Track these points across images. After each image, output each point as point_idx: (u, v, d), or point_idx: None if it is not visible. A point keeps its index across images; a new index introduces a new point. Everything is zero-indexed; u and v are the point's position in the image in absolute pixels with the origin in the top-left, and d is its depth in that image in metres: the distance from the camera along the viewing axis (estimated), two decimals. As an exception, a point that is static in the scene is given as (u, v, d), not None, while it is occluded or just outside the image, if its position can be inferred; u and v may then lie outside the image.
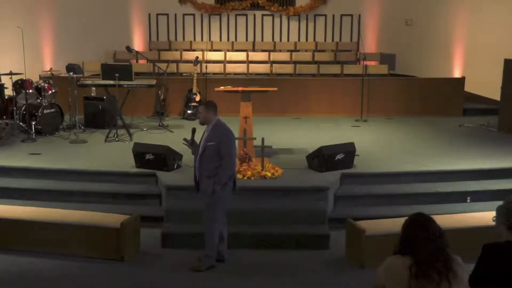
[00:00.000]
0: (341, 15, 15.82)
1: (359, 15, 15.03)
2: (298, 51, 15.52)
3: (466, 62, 12.99)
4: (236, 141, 7.64)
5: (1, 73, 10.14)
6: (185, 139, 6.22)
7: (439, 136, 10.05)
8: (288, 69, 13.82)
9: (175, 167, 7.71)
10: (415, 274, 3.20)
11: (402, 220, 5.98)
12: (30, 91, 9.94)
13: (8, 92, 10.11)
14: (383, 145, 9.37)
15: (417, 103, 11.91)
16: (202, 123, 6.09)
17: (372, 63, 14.48)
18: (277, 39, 16.00)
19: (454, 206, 7.19)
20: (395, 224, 6.06)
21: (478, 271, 3.33)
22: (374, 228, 6.04)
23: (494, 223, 3.46)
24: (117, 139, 9.48)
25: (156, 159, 7.62)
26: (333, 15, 15.87)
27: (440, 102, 11.88)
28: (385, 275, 3.36)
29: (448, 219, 6.26)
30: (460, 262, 3.33)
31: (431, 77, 12.83)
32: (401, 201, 7.34)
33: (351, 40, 15.95)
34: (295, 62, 14.23)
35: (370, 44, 15.47)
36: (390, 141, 9.77)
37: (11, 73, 9.90)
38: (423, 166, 7.99)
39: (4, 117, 9.87)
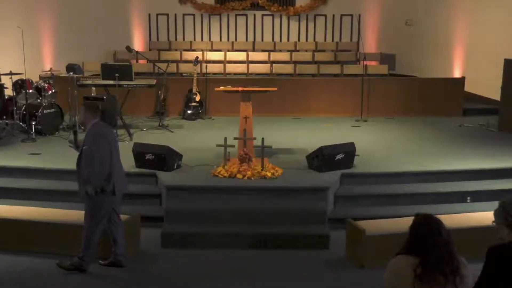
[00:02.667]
0: (341, 15, 15.82)
1: (359, 15, 15.03)
2: (298, 51, 15.52)
3: (466, 62, 12.99)
4: (236, 141, 7.72)
5: (1, 73, 10.14)
6: (70, 141, 5.94)
7: (439, 136, 10.05)
8: (288, 69, 13.83)
9: (175, 167, 7.71)
10: (420, 275, 3.16)
11: (402, 220, 6.02)
12: (30, 91, 9.94)
13: (8, 92, 10.11)
14: (383, 145, 9.37)
15: (417, 103, 11.90)
16: (81, 124, 5.99)
17: (372, 63, 14.48)
18: (277, 39, 16.00)
19: (454, 206, 7.18)
20: (395, 224, 6.10)
21: (486, 276, 3.28)
22: (374, 228, 6.04)
23: (494, 224, 3.44)
24: (117, 139, 9.46)
25: (156, 159, 7.61)
26: (333, 15, 15.87)
27: (440, 102, 11.87)
28: (388, 276, 3.33)
29: (448, 219, 6.21)
30: (465, 263, 3.32)
31: (431, 77, 12.83)
32: (401, 201, 7.35)
33: (351, 40, 15.95)
34: (295, 62, 14.23)
35: (370, 44, 15.47)
36: (390, 141, 9.77)
37: (11, 73, 9.90)
38: (423, 166, 7.99)
39: (4, 117, 9.87)
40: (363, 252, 5.94)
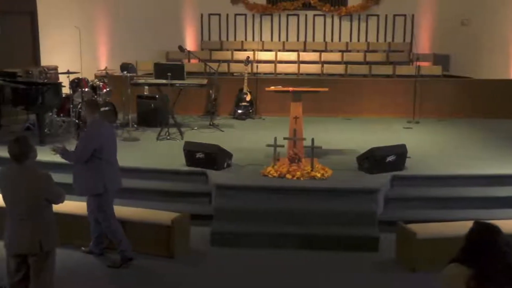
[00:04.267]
0: (394, 15, 15.58)
1: (413, 15, 14.77)
2: (349, 51, 15.38)
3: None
4: (286, 141, 7.71)
5: (59, 72, 10.46)
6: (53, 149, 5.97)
7: (493, 139, 9.77)
8: (339, 69, 13.72)
9: (225, 166, 7.77)
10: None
11: (454, 224, 5.90)
12: (86, 89, 10.21)
13: (65, 90, 10.40)
14: (435, 147, 9.19)
15: (471, 104, 11.63)
16: (83, 121, 6.14)
17: (426, 64, 14.21)
18: (328, 39, 15.89)
19: (508, 212, 6.96)
20: (447, 228, 5.99)
21: None
22: (425, 232, 5.94)
23: None
24: (168, 137, 9.62)
25: (206, 158, 7.69)
26: (386, 15, 15.64)
27: (496, 104, 11.56)
28: (441, 284, 3.21)
29: (501, 224, 6.08)
30: None
31: (487, 78, 12.49)
32: (454, 204, 7.19)
33: (404, 40, 15.69)
34: (346, 63, 14.11)
35: (423, 45, 15.18)
36: (442, 143, 9.57)
37: (68, 72, 10.20)
38: (476, 169, 7.79)
39: (61, 114, 10.17)
40: (414, 256, 5.85)
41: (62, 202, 4.76)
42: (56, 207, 4.78)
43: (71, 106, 10.02)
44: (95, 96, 10.28)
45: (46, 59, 12.42)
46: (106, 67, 11.56)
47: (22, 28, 12.38)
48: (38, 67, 11.14)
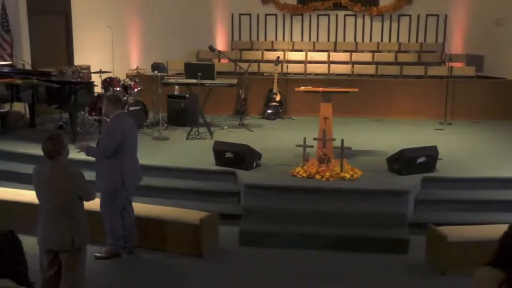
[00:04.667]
0: (427, 15, 15.39)
1: (446, 15, 14.57)
2: (380, 51, 15.24)
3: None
4: (315, 142, 7.69)
5: (92, 71, 10.60)
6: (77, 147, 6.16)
7: (528, 141, 9.60)
8: (370, 70, 13.62)
9: (254, 166, 7.78)
10: None
11: (486, 227, 5.81)
12: (118, 88, 10.33)
13: (98, 89, 10.54)
14: (467, 149, 9.06)
15: (505, 106, 11.42)
16: (104, 116, 6.18)
17: (458, 64, 13.99)
18: (359, 39, 15.78)
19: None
20: (478, 231, 5.90)
21: None
22: (456, 234, 5.86)
23: None
24: (198, 137, 9.68)
25: (235, 157, 7.71)
26: (418, 15, 15.46)
27: (531, 105, 11.34)
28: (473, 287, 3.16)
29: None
30: None
31: (522, 79, 12.27)
32: (485, 207, 7.09)
33: (436, 40, 15.48)
34: (377, 63, 14.00)
35: (456, 45, 14.95)
36: (475, 145, 9.43)
37: (100, 72, 10.35)
38: (509, 172, 7.65)
39: (93, 113, 10.31)
40: (444, 259, 5.78)
41: (93, 199, 4.85)
42: (87, 204, 4.86)
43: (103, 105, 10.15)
44: (126, 96, 10.41)
45: (79, 59, 12.62)
46: (137, 67, 11.68)
47: (56, 29, 12.59)
48: (72, 67, 11.32)
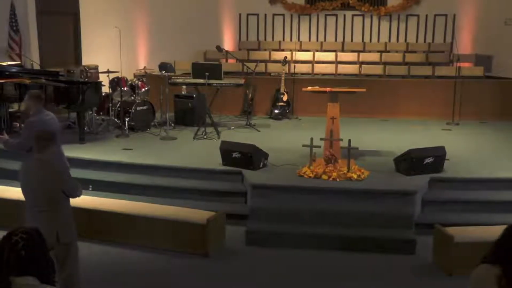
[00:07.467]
0: (435, 15, 15.34)
1: (454, 15, 14.52)
2: (388, 51, 15.21)
3: None
4: (322, 142, 7.67)
5: (100, 71, 10.64)
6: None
7: (537, 142, 9.55)
8: (378, 70, 13.59)
9: (261, 166, 7.78)
10: (506, 286, 3.00)
11: (493, 228, 5.77)
12: (125, 88, 10.36)
13: (105, 89, 10.57)
14: (475, 150, 9.02)
15: (513, 106, 11.37)
16: (24, 111, 6.26)
17: (467, 64, 13.94)
18: (367, 39, 15.75)
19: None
20: (486, 232, 5.85)
21: None
22: (463, 235, 5.83)
23: None
24: (205, 136, 9.69)
25: (242, 157, 7.71)
26: (426, 15, 15.41)
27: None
28: (471, 286, 3.18)
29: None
30: None
31: (531, 80, 12.20)
32: (493, 208, 7.04)
33: (444, 41, 15.43)
34: (385, 63, 13.97)
35: (465, 45, 14.90)
36: (482, 146, 9.38)
37: (108, 71, 10.38)
38: (518, 173, 7.63)
39: (101, 113, 10.36)
40: (451, 259, 5.76)
41: (79, 196, 4.83)
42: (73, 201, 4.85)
43: (110, 105, 10.18)
44: (134, 96, 10.43)
45: (87, 59, 12.67)
46: (144, 67, 11.72)
47: (65, 29, 12.64)
48: (79, 67, 11.37)
